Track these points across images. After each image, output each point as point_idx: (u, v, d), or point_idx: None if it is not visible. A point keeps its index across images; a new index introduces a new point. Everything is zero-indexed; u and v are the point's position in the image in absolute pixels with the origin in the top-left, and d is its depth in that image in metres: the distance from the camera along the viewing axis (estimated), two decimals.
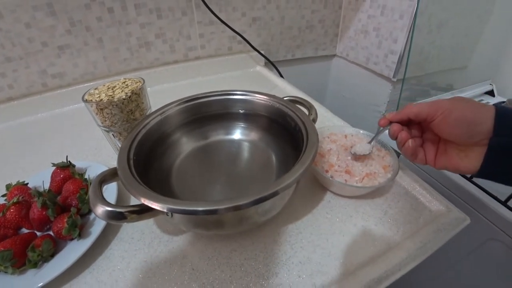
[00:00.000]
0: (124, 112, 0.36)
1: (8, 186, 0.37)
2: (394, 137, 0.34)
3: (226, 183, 0.36)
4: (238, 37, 0.74)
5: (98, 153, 0.48)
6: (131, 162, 0.29)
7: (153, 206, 0.23)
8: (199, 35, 0.71)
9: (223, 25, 0.70)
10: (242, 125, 0.41)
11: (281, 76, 0.79)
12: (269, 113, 0.38)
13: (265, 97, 0.38)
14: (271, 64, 0.79)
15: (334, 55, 0.96)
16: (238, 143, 0.41)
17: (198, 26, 0.69)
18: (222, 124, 0.41)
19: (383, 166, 0.39)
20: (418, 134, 0.34)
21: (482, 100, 0.87)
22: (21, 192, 0.36)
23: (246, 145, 0.41)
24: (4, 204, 0.34)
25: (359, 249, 0.33)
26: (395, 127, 0.33)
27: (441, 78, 0.89)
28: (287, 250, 0.32)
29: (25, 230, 0.34)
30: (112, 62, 0.65)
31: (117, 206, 0.25)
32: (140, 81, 0.40)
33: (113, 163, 0.45)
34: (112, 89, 0.38)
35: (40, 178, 0.40)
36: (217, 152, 0.39)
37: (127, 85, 0.39)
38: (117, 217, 0.25)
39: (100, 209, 0.25)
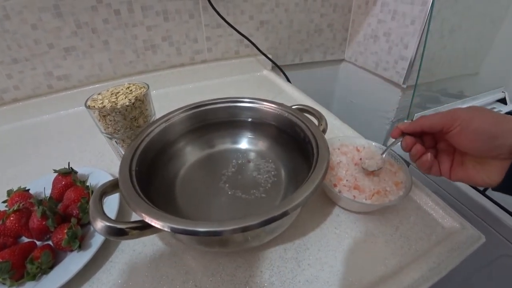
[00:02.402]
0: (127, 119, 0.35)
1: (9, 192, 0.37)
2: (407, 150, 0.32)
3: (231, 195, 0.35)
4: (245, 41, 0.73)
5: (100, 158, 0.48)
6: (133, 173, 0.28)
7: (154, 225, 0.22)
8: (206, 38, 0.70)
9: (231, 28, 0.69)
10: (249, 134, 0.40)
11: (289, 81, 0.78)
12: (277, 122, 0.37)
13: (273, 105, 0.37)
14: (278, 68, 0.78)
15: (343, 60, 0.95)
16: (245, 152, 0.39)
17: (205, 29, 0.68)
18: (229, 132, 0.39)
19: (394, 183, 0.37)
20: (432, 144, 0.33)
21: (494, 108, 0.85)
22: (22, 199, 0.36)
23: (253, 155, 0.39)
24: (5, 211, 0.34)
25: (369, 268, 0.31)
26: (409, 140, 0.31)
27: (452, 85, 0.87)
28: (294, 267, 0.31)
29: (25, 238, 0.33)
30: (118, 65, 0.64)
31: (117, 222, 0.24)
32: (144, 87, 0.39)
33: (115, 170, 0.44)
34: (116, 95, 0.37)
35: (42, 184, 0.39)
36: (223, 162, 0.38)
37: (131, 90, 0.38)
38: (117, 233, 0.24)
39: (100, 224, 0.24)
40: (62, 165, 0.40)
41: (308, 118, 0.35)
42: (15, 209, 0.33)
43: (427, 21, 0.66)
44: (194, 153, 0.39)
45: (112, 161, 0.46)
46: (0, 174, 0.46)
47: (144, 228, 0.24)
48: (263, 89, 0.71)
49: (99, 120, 0.35)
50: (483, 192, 0.53)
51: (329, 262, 0.31)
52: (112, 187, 0.28)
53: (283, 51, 0.82)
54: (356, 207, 0.36)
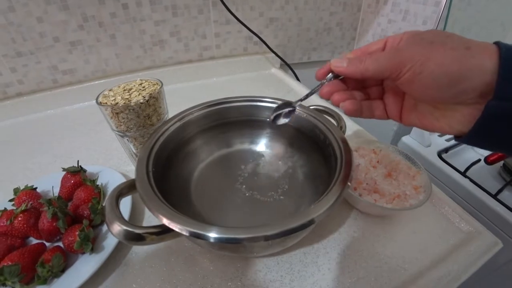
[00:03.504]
0: (140, 117, 0.34)
1: (16, 191, 0.35)
2: (325, 98, 0.26)
3: (249, 197, 0.34)
4: (254, 38, 0.71)
5: (109, 155, 0.46)
6: (150, 174, 0.27)
7: (179, 231, 0.21)
8: (214, 35, 0.68)
9: (240, 25, 0.67)
10: (268, 134, 0.38)
11: (298, 79, 0.77)
12: (296, 123, 0.35)
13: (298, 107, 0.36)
14: (288, 66, 0.77)
15: None
16: (262, 153, 0.38)
17: (214, 25, 0.67)
18: (246, 132, 0.38)
19: (414, 186, 0.36)
20: (374, 82, 0.26)
21: None
22: (30, 198, 0.34)
23: (271, 156, 0.38)
24: (12, 210, 0.32)
25: (389, 273, 0.30)
26: (327, 87, 0.25)
27: None
28: (314, 272, 0.30)
29: (32, 239, 0.32)
30: (124, 60, 0.63)
31: (136, 226, 0.22)
32: (157, 83, 0.38)
33: (125, 168, 0.43)
34: (128, 91, 0.36)
35: (49, 182, 0.38)
36: (240, 162, 0.37)
37: (144, 87, 0.37)
38: (136, 239, 0.22)
39: (117, 228, 0.23)
40: (68, 162, 0.39)
41: (329, 120, 0.34)
42: (23, 209, 0.31)
43: (439, 22, 0.65)
44: (210, 152, 0.37)
45: (121, 159, 0.45)
46: (3, 170, 0.44)
47: (164, 233, 0.23)
48: (272, 87, 0.70)
49: (111, 118, 0.34)
50: (495, 196, 0.53)
51: (349, 266, 0.31)
52: (128, 188, 0.26)
53: (291, 49, 0.80)
54: (377, 211, 0.35)
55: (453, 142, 0.66)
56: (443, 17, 0.64)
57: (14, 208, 0.33)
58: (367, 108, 0.26)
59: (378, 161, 0.40)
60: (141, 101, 0.33)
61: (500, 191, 0.54)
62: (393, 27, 0.76)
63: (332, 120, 0.36)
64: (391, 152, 0.42)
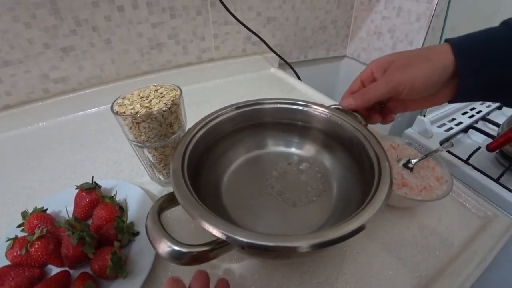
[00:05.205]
0: (163, 126, 0.32)
1: (24, 214, 0.32)
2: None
3: (281, 204, 0.33)
4: (253, 38, 0.70)
5: (119, 167, 0.43)
6: (190, 187, 0.25)
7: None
8: (213, 36, 0.66)
9: (238, 26, 0.66)
10: (297, 137, 0.37)
11: (299, 78, 0.77)
12: (322, 125, 0.35)
13: (321, 108, 0.35)
14: (288, 65, 0.76)
15: (344, 56, 0.95)
16: (291, 156, 0.37)
17: (213, 26, 0.65)
18: (276, 135, 0.37)
19: (436, 178, 0.37)
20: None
21: None
22: (42, 222, 0.31)
23: (300, 159, 0.37)
24: (24, 237, 0.29)
25: (425, 261, 0.31)
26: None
27: None
28: (358, 269, 0.30)
29: (51, 266, 0.29)
30: (121, 65, 0.59)
31: (187, 245, 0.21)
32: (175, 89, 0.36)
33: (140, 180, 0.41)
34: (146, 98, 0.33)
35: (59, 201, 0.35)
36: (269, 167, 0.36)
37: (161, 93, 0.34)
38: (188, 259, 0.21)
39: (165, 248, 0.21)
40: (73, 178, 0.36)
41: (352, 119, 0.34)
42: (38, 235, 0.28)
43: (432, 18, 0.68)
44: (239, 155, 0.36)
45: (132, 170, 0.42)
46: (2, 191, 0.40)
47: (216, 249, 0.21)
48: (275, 87, 0.69)
49: (130, 128, 0.31)
50: (497, 181, 0.56)
51: (386, 260, 0.31)
52: (167, 202, 0.24)
53: (289, 49, 0.80)
54: (407, 203, 0.36)
55: (452, 132, 0.69)
56: (436, 13, 0.67)
57: (26, 234, 0.30)
58: (388, 116, 0.38)
59: (397, 156, 0.41)
60: (164, 108, 0.31)
61: (501, 175, 0.57)
62: (387, 24, 0.78)
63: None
64: (407, 146, 0.43)
